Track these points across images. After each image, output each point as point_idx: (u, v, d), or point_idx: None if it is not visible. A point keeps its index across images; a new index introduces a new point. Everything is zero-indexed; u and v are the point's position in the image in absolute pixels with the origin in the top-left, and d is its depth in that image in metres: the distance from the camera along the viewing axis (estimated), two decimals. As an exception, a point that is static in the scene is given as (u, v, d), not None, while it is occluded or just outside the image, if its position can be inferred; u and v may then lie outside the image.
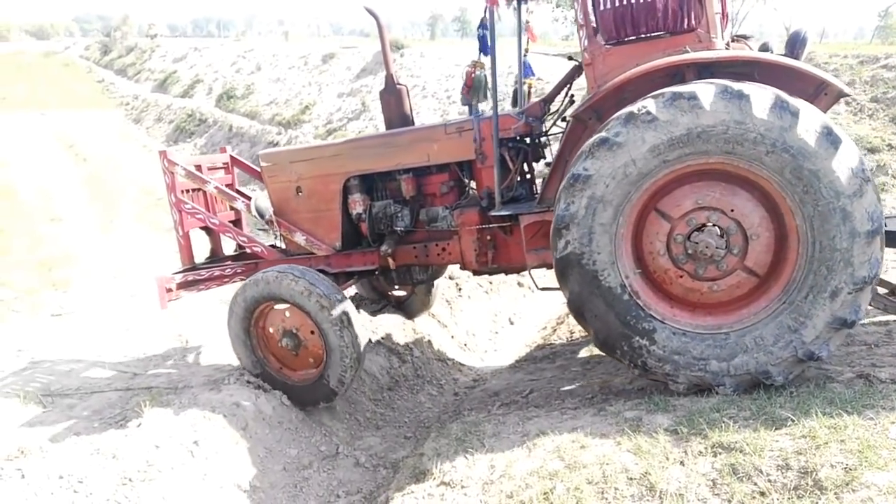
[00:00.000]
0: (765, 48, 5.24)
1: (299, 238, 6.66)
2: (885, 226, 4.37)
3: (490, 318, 9.26)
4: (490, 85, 5.62)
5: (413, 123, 6.71)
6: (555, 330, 8.25)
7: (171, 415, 5.19)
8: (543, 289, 5.58)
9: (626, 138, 4.58)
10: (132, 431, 4.98)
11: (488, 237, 5.96)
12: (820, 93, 4.85)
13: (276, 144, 21.58)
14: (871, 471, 3.33)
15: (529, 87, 6.62)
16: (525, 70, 6.52)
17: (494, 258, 6.02)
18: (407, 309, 8.22)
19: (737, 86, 4.43)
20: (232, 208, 7.27)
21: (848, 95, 4.96)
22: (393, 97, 6.62)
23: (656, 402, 4.66)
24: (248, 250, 7.04)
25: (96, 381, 7.01)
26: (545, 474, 4.02)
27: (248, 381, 5.92)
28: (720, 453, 3.76)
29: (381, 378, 7.03)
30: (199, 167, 7.06)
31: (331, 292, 5.75)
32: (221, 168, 7.48)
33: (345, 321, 5.69)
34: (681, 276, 4.82)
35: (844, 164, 4.27)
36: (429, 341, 7.98)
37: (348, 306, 5.79)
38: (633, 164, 4.60)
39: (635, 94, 4.76)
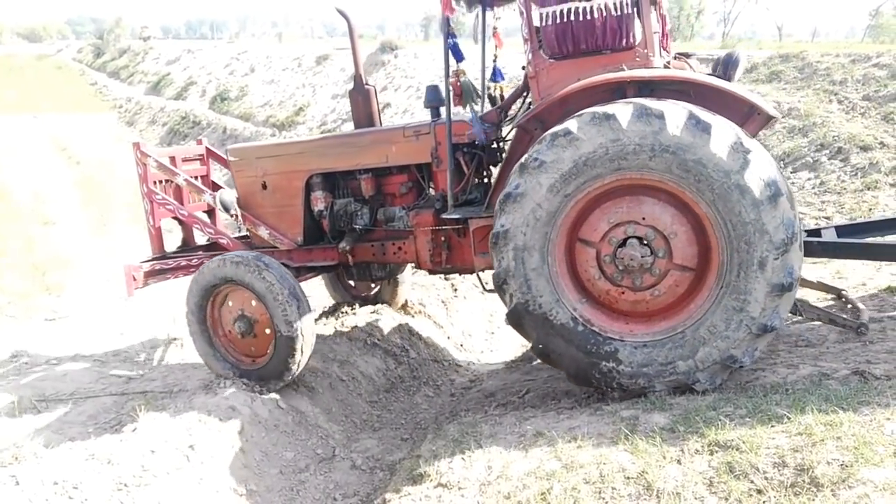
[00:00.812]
0: (728, 60, 5.32)
1: (263, 232, 6.81)
2: (782, 191, 4.48)
3: (486, 318, 9.26)
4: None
5: (380, 124, 6.90)
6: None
7: (167, 419, 5.17)
8: (490, 290, 5.65)
9: (525, 187, 4.84)
10: (127, 436, 4.96)
11: (442, 238, 6.15)
12: (751, 115, 5.00)
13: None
14: (868, 467, 3.33)
15: (501, 91, 6.72)
16: (495, 75, 6.62)
17: (448, 259, 6.21)
18: (373, 304, 8.34)
19: (602, 109, 4.66)
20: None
21: (776, 119, 5.10)
22: (361, 97, 6.82)
23: (652, 402, 4.66)
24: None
25: (91, 385, 6.99)
26: (542, 475, 4.01)
27: (244, 384, 5.90)
28: (717, 451, 3.76)
29: (377, 380, 7.03)
30: (173, 159, 7.24)
31: (282, 278, 5.86)
32: (197, 159, 7.60)
33: (293, 307, 5.79)
34: (623, 293, 4.97)
35: (722, 145, 4.44)
36: (425, 342, 7.98)
37: (298, 293, 5.91)
38: (539, 207, 4.85)
39: (578, 105, 4.91)
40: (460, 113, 6.20)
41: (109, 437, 5.04)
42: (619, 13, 4.99)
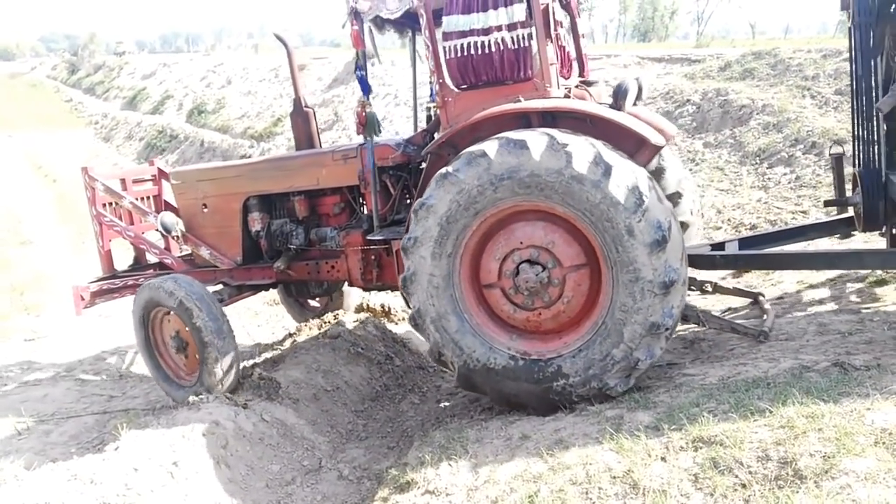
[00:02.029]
0: (618, 90, 5.47)
1: (205, 252, 7.08)
2: (658, 200, 4.71)
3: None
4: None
5: (319, 145, 7.13)
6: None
7: (150, 436, 5.12)
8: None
9: (415, 266, 5.19)
10: (110, 455, 4.90)
11: (372, 257, 6.40)
12: (643, 144, 5.14)
13: (250, 157, 21.47)
14: (850, 458, 3.35)
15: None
16: (433, 95, 6.66)
17: (379, 276, 6.45)
18: (308, 315, 8.59)
19: (451, 168, 4.98)
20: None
21: (662, 146, 5.25)
22: (301, 119, 7.09)
23: (637, 400, 4.68)
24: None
25: (72, 405, 6.92)
26: (529, 477, 4.01)
27: (227, 398, 5.86)
28: (701, 448, 3.77)
29: (362, 389, 7.00)
30: (123, 181, 7.58)
31: (201, 299, 6.09)
32: (149, 180, 7.82)
33: (205, 319, 6.02)
34: (540, 314, 5.11)
35: (581, 160, 4.65)
36: (409, 349, 7.96)
37: (217, 312, 6.15)
38: (433, 277, 5.16)
39: (488, 132, 5.11)
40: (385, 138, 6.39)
41: (92, 457, 4.99)
42: (515, 46, 5.18)
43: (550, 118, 5.19)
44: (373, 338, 7.73)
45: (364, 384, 7.05)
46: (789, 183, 10.26)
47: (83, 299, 7.06)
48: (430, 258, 5.14)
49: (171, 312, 6.29)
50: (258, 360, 7.80)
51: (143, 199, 7.64)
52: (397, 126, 18.39)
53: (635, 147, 5.14)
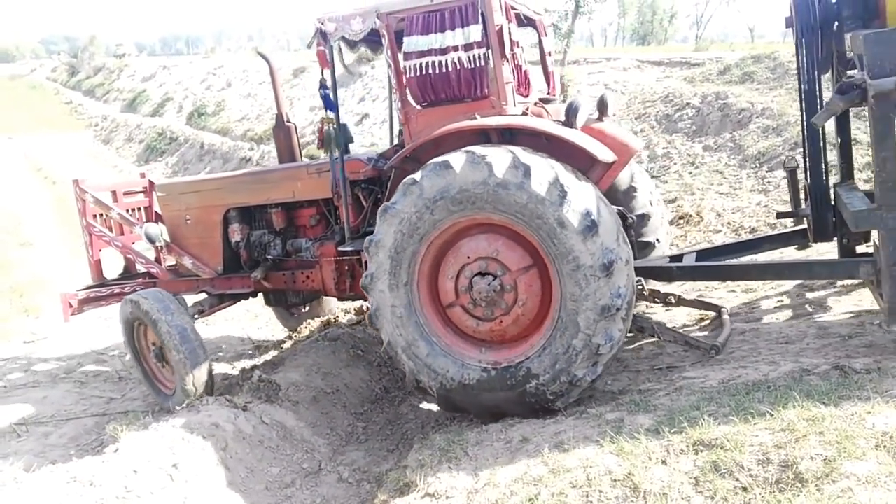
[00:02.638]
0: (568, 107, 5.62)
1: (187, 262, 7.32)
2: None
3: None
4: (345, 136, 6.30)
5: (300, 159, 7.43)
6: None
7: (149, 438, 5.11)
8: None
9: (378, 302, 5.38)
10: (109, 457, 4.89)
11: (346, 268, 6.60)
12: (593, 160, 5.31)
13: (249, 160, 21.48)
14: (851, 461, 3.35)
15: None
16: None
17: (352, 287, 6.62)
18: (297, 325, 8.86)
19: (390, 201, 5.24)
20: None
21: (611, 162, 5.37)
22: (283, 133, 7.39)
23: (637, 403, 4.67)
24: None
25: (71, 407, 6.91)
26: (529, 480, 4.00)
27: (228, 401, 5.85)
28: (702, 451, 3.77)
29: (362, 391, 6.98)
30: (114, 193, 7.88)
31: (173, 317, 6.31)
32: (140, 192, 8.07)
33: (180, 338, 6.24)
34: (501, 322, 5.22)
35: (501, 167, 4.84)
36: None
37: (184, 322, 6.35)
38: (395, 308, 5.34)
39: (449, 146, 5.31)
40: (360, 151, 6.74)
41: (91, 459, 4.98)
42: (471, 66, 5.37)
43: (509, 135, 5.37)
44: (372, 340, 7.72)
45: (364, 386, 7.04)
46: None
47: (71, 306, 7.32)
48: (389, 291, 5.32)
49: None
50: (258, 362, 7.81)
51: (133, 210, 7.92)
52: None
53: (588, 163, 5.32)
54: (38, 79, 60.95)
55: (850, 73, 5.16)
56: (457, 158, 4.99)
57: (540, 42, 6.52)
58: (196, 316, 6.97)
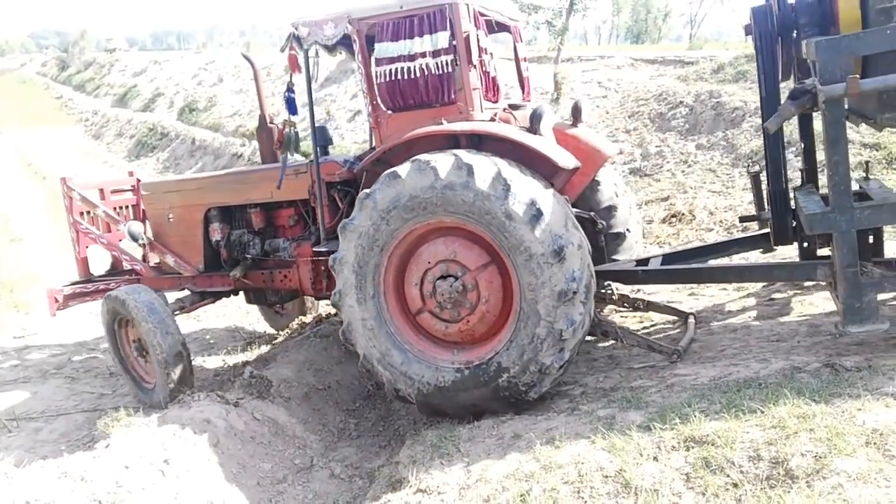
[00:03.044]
0: (532, 114, 5.75)
1: (170, 259, 7.44)
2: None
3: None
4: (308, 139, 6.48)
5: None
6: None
7: (140, 434, 5.10)
8: None
9: (349, 317, 5.51)
10: (100, 453, 4.88)
11: (322, 268, 6.59)
12: (557, 167, 5.40)
13: (240, 156, 21.41)
14: (841, 458, 3.37)
15: None
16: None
17: (328, 286, 6.59)
18: (283, 324, 8.95)
19: (349, 218, 5.41)
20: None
21: (570, 168, 5.47)
22: (265, 134, 7.44)
23: (629, 400, 4.69)
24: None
25: (62, 402, 6.89)
26: (521, 476, 4.01)
27: (219, 396, 5.84)
28: (693, 447, 3.79)
29: (353, 387, 6.98)
30: (102, 191, 8.00)
31: (150, 308, 6.40)
32: (129, 190, 8.18)
33: (160, 333, 6.31)
34: (468, 322, 5.32)
35: (445, 170, 4.98)
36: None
37: (164, 316, 6.42)
38: (365, 320, 5.45)
39: (420, 150, 5.40)
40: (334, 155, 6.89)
41: (82, 454, 4.97)
42: (439, 72, 5.48)
43: (477, 140, 5.49)
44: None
45: (355, 383, 7.04)
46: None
47: (57, 301, 7.46)
48: (358, 305, 5.43)
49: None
50: (249, 357, 7.80)
51: (122, 207, 8.05)
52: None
53: (552, 169, 5.40)
54: (28, 73, 60.55)
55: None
56: (404, 168, 5.15)
57: (514, 48, 6.63)
58: (177, 312, 7.04)
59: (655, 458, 3.81)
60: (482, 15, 5.75)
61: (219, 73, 31.95)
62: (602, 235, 6.35)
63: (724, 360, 5.27)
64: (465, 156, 5.03)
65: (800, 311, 6.17)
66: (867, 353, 4.72)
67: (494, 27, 6.40)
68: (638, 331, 6.39)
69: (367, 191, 5.28)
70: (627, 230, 6.60)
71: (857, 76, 4.26)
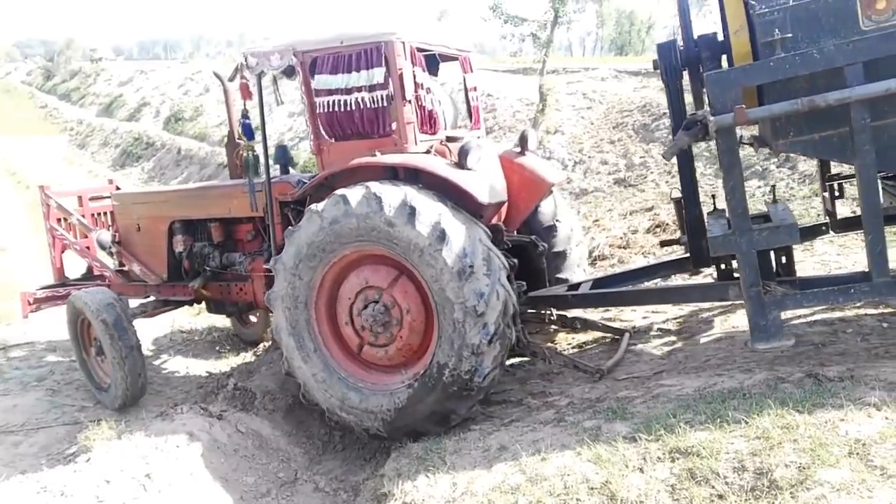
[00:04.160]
0: (460, 150, 5.89)
1: (136, 268, 7.74)
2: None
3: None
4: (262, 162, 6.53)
5: None
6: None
7: (122, 447, 5.05)
8: None
9: (293, 365, 5.74)
10: (81, 466, 4.83)
11: None
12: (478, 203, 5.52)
13: (227, 166, 21.31)
14: (824, 468, 3.38)
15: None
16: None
17: None
18: (251, 336, 9.16)
19: (270, 290, 5.77)
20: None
21: (487, 204, 5.60)
22: (234, 150, 7.45)
23: (614, 411, 4.68)
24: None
25: (42, 415, 6.82)
26: (507, 489, 4.00)
27: (202, 409, 5.80)
28: (678, 458, 3.79)
29: (339, 399, 6.94)
30: (80, 198, 8.39)
31: (110, 316, 6.64)
32: (108, 197, 8.40)
33: (115, 335, 6.57)
34: (402, 337, 5.47)
35: (354, 202, 5.23)
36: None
37: (121, 318, 6.70)
38: (316, 375, 5.65)
39: (361, 177, 5.57)
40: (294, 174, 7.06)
41: (62, 468, 4.92)
42: (374, 106, 5.72)
43: (414, 171, 5.66)
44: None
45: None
46: (763, 196, 10.38)
47: (30, 304, 7.89)
48: (305, 363, 5.67)
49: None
50: (233, 363, 7.76)
51: (100, 214, 8.37)
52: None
53: (475, 203, 5.54)
54: (13, 82, 60.20)
55: None
56: (303, 220, 5.48)
57: (464, 78, 6.75)
58: (138, 316, 7.38)
59: (641, 470, 3.81)
60: (423, 50, 5.96)
61: (205, 83, 31.83)
62: (544, 257, 6.58)
63: (708, 371, 5.29)
64: (375, 187, 5.25)
65: (786, 322, 6.20)
66: (849, 364, 4.74)
67: (439, 60, 6.63)
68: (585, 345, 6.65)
69: (276, 257, 5.67)
70: (569, 250, 6.83)
71: (744, 106, 4.47)
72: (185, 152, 24.66)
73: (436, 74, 6.69)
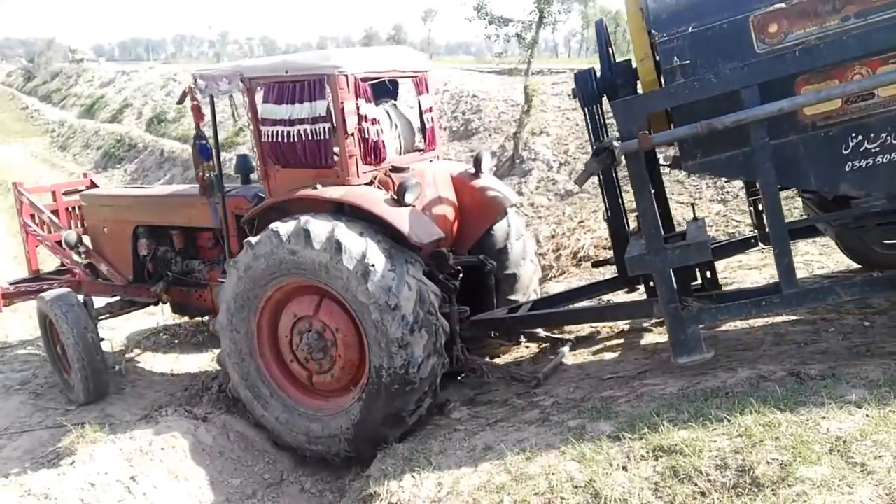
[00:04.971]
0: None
1: (103, 268, 7.90)
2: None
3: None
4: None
5: None
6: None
7: (106, 451, 5.04)
8: None
9: (247, 403, 5.89)
10: (65, 470, 4.81)
11: None
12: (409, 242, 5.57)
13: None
14: (806, 465, 3.42)
15: None
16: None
17: None
18: None
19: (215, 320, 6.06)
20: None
21: (419, 243, 5.56)
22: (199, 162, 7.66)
23: (599, 410, 4.71)
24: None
25: (26, 419, 6.77)
26: (493, 488, 4.02)
27: (187, 412, 5.79)
28: (661, 457, 3.82)
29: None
30: (54, 193, 8.57)
31: (72, 316, 6.79)
32: (82, 191, 8.59)
33: (76, 335, 6.72)
34: (340, 355, 5.54)
35: (286, 234, 5.37)
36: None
37: (81, 318, 6.83)
38: (279, 420, 5.75)
39: (307, 207, 5.68)
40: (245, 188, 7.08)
41: (46, 472, 4.90)
42: (317, 138, 5.76)
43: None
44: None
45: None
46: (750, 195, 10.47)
47: (2, 298, 8.02)
48: (266, 411, 5.79)
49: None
50: (217, 372, 7.72)
51: (75, 208, 8.49)
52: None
53: (407, 241, 5.57)
54: (-7, 83, 59.60)
55: None
56: (227, 276, 5.75)
57: (418, 100, 6.67)
58: (105, 316, 7.67)
59: (625, 468, 3.84)
60: (370, 80, 5.93)
61: (188, 85, 31.68)
62: (492, 275, 6.64)
63: (691, 370, 5.32)
64: (310, 222, 5.34)
65: (765, 321, 6.26)
66: (831, 362, 4.80)
67: (389, 86, 6.63)
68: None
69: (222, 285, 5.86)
70: (518, 273, 6.87)
71: (647, 132, 4.63)
72: (168, 154, 24.50)
73: (392, 97, 6.71)
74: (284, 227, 5.37)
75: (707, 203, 10.54)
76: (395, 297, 5.10)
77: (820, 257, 7.33)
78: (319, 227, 5.27)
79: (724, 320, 5.59)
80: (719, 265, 7.82)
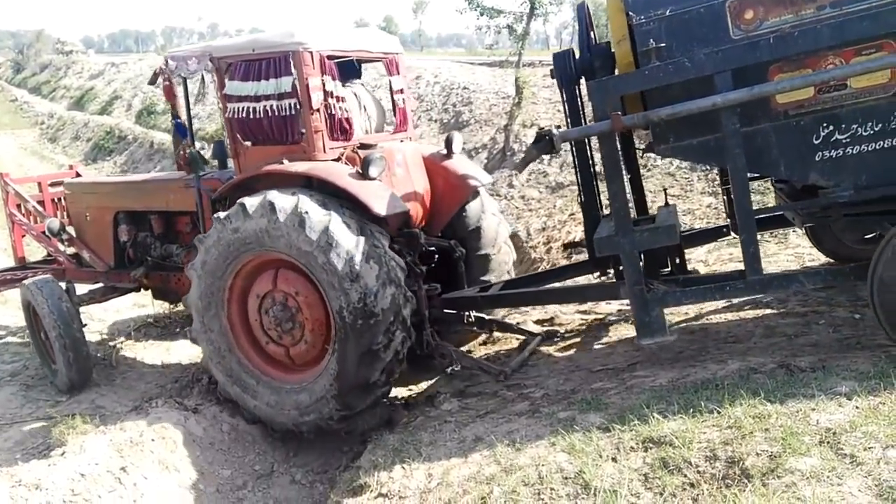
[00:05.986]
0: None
1: (86, 255, 7.98)
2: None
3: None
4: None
5: None
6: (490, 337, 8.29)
7: (97, 441, 5.02)
8: None
9: (237, 399, 5.95)
10: (55, 461, 4.80)
11: None
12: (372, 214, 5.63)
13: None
14: (795, 457, 3.44)
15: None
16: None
17: None
18: None
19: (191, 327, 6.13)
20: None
21: (383, 215, 5.62)
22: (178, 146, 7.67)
23: (589, 402, 4.73)
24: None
25: (16, 410, 6.74)
26: (482, 479, 4.03)
27: (177, 403, 5.78)
28: (651, 448, 3.84)
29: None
30: (40, 184, 8.74)
31: (53, 302, 6.83)
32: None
33: (58, 322, 6.75)
34: (308, 320, 5.61)
35: (253, 210, 5.43)
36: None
37: (63, 305, 6.85)
38: (269, 405, 5.79)
39: (275, 182, 5.75)
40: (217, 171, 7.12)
41: (37, 463, 4.88)
42: (283, 114, 5.82)
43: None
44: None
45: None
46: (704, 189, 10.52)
47: None
48: (255, 399, 5.81)
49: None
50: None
51: (60, 199, 8.57)
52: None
53: (370, 213, 5.62)
54: (-18, 75, 59.10)
55: None
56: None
57: (389, 81, 6.74)
58: (86, 303, 7.68)
59: (614, 459, 3.85)
60: (336, 57, 5.99)
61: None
62: (461, 261, 6.72)
63: (682, 362, 5.35)
64: (274, 196, 5.40)
65: (756, 314, 6.29)
66: (821, 355, 4.82)
67: (357, 65, 6.61)
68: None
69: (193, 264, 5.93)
70: (493, 252, 6.92)
71: (619, 113, 4.64)
72: (158, 146, 24.37)
73: (357, 77, 6.71)
74: (234, 212, 5.51)
75: (698, 195, 10.57)
76: (333, 237, 5.18)
77: (811, 250, 7.34)
78: (256, 197, 5.41)
79: (688, 303, 5.64)
80: (709, 258, 7.87)
